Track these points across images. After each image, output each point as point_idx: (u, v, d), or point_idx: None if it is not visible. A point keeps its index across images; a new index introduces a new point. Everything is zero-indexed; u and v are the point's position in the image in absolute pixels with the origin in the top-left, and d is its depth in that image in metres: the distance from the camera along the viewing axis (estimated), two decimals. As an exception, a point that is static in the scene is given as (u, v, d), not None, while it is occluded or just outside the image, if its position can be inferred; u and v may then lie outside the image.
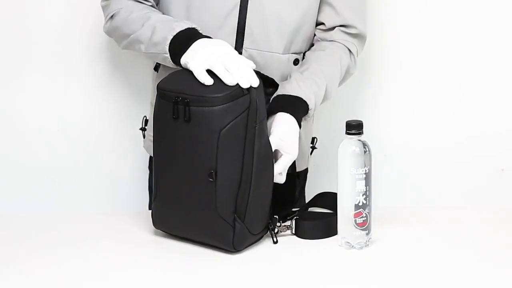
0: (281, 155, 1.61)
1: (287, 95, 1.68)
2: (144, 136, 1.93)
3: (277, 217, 1.61)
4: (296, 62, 1.80)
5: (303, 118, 1.70)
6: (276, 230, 1.60)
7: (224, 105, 1.49)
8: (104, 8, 1.79)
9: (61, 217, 1.79)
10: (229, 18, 1.72)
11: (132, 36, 1.71)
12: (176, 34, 1.62)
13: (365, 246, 1.56)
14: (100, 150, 2.28)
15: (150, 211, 1.64)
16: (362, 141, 1.54)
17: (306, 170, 1.98)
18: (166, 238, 1.62)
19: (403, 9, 2.19)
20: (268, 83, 1.67)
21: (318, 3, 1.81)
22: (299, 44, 1.81)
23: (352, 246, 1.56)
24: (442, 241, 1.62)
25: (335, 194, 1.59)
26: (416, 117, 2.27)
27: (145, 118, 1.93)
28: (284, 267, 1.51)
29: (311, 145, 1.94)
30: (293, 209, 1.66)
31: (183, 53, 1.59)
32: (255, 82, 1.51)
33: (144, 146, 1.96)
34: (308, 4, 1.78)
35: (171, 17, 1.72)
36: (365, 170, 1.53)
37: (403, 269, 1.50)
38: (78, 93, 2.23)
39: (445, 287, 1.43)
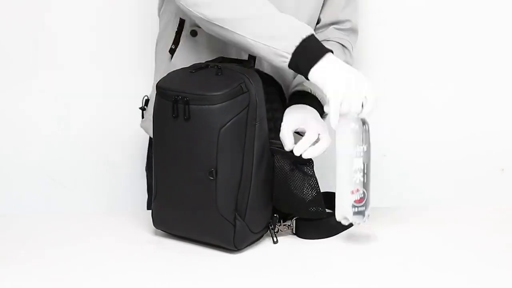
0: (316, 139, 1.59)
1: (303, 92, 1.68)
2: (143, 116, 1.89)
3: (277, 216, 1.61)
4: None
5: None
6: (276, 229, 1.60)
7: (224, 103, 1.49)
8: None
9: (61, 217, 1.79)
10: None
11: (238, 17, 1.58)
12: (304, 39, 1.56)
13: (363, 222, 1.55)
14: (100, 150, 2.29)
15: (150, 210, 1.64)
16: (362, 119, 1.53)
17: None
18: (166, 238, 1.62)
19: (403, 7, 2.20)
20: (268, 81, 1.66)
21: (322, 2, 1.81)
22: None
23: (350, 223, 1.56)
24: (442, 240, 1.63)
25: (334, 194, 1.58)
26: (415, 117, 2.28)
27: (145, 97, 1.89)
28: (284, 267, 1.51)
29: None
30: None
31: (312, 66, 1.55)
32: None
33: (141, 126, 1.91)
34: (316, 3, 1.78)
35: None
36: (364, 148, 1.53)
37: (403, 268, 1.50)
38: (78, 94, 2.24)
39: (445, 286, 1.43)
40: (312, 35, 1.55)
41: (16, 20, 2.18)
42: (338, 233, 1.63)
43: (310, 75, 1.53)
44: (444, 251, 1.57)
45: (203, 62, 1.64)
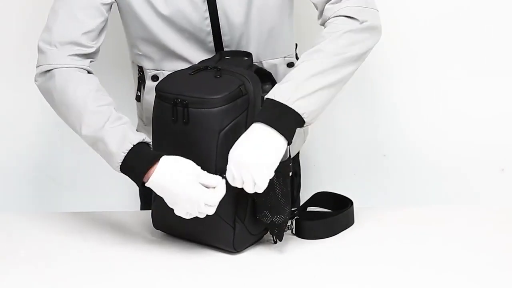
0: (224, 176, 1.49)
1: (275, 101, 1.50)
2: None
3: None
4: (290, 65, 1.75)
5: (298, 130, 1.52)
6: (276, 230, 1.60)
7: (223, 106, 1.49)
8: (39, 52, 1.63)
9: (61, 217, 1.78)
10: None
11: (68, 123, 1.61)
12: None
13: None
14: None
15: (149, 211, 1.64)
16: None
17: (297, 156, 1.95)
18: (166, 238, 1.62)
19: (403, 7, 2.20)
20: (265, 78, 1.64)
21: None
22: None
23: None
24: (442, 240, 1.63)
25: (333, 193, 1.59)
26: (415, 117, 2.28)
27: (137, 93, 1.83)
28: (284, 267, 1.51)
29: None
30: (292, 209, 1.66)
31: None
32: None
33: (138, 115, 1.87)
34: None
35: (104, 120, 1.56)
36: None
37: (404, 268, 1.50)
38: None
39: (445, 286, 1.44)
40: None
41: (16, 19, 2.18)
42: (337, 233, 1.64)
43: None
44: (444, 251, 1.57)
45: (201, 61, 1.64)
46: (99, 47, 1.66)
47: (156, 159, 1.48)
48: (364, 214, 1.73)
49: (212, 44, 1.67)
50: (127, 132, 1.52)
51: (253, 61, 1.65)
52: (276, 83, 1.63)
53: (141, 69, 1.73)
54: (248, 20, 1.66)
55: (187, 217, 1.49)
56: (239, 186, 1.47)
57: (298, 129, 1.52)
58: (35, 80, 1.65)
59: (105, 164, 2.27)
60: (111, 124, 1.53)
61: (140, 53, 1.71)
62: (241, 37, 1.67)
